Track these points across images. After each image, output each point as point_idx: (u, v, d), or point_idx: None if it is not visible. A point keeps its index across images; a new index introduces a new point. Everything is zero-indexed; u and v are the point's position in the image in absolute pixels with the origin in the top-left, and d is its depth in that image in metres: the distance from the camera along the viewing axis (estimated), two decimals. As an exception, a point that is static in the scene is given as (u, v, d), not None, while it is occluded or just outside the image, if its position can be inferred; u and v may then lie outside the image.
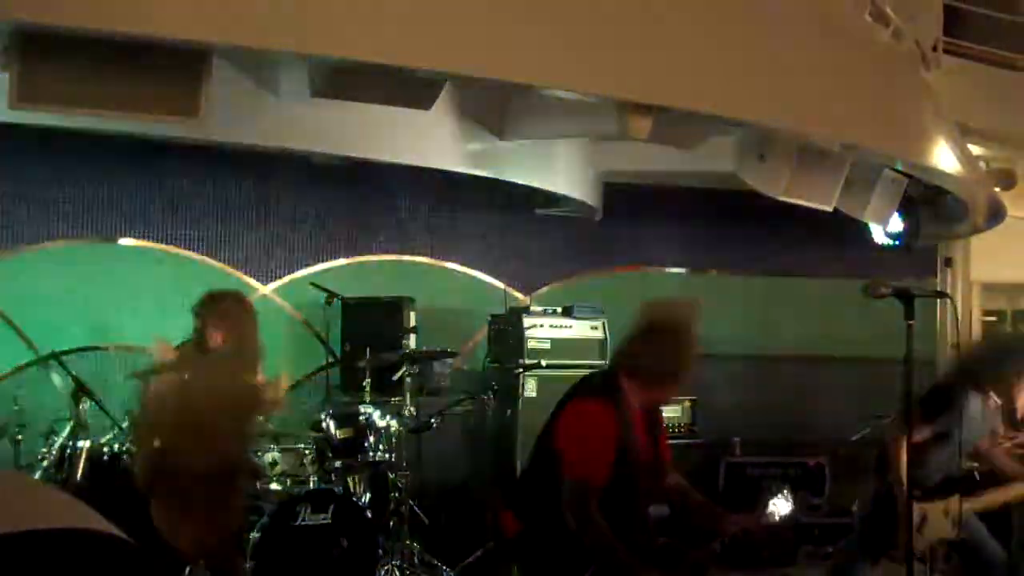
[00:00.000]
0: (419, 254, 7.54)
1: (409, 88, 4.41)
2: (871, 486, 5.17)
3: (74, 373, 5.21)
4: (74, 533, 0.88)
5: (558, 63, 4.42)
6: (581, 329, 6.93)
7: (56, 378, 6.07)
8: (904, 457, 4.82)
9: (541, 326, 6.82)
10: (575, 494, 3.71)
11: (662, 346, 3.86)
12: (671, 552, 3.95)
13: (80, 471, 5.00)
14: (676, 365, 3.89)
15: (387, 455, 5.68)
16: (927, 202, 7.09)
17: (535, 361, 6.63)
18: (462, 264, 7.74)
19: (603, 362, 6.85)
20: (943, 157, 6.06)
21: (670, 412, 7.06)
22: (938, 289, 8.17)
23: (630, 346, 3.95)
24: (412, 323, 6.59)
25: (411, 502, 5.68)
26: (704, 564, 4.00)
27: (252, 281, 6.96)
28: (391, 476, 5.71)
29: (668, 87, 4.72)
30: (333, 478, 5.52)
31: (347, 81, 4.28)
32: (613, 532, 3.70)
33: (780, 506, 3.89)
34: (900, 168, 6.24)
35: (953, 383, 4.95)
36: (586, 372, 4.23)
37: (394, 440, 5.71)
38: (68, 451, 5.03)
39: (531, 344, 6.75)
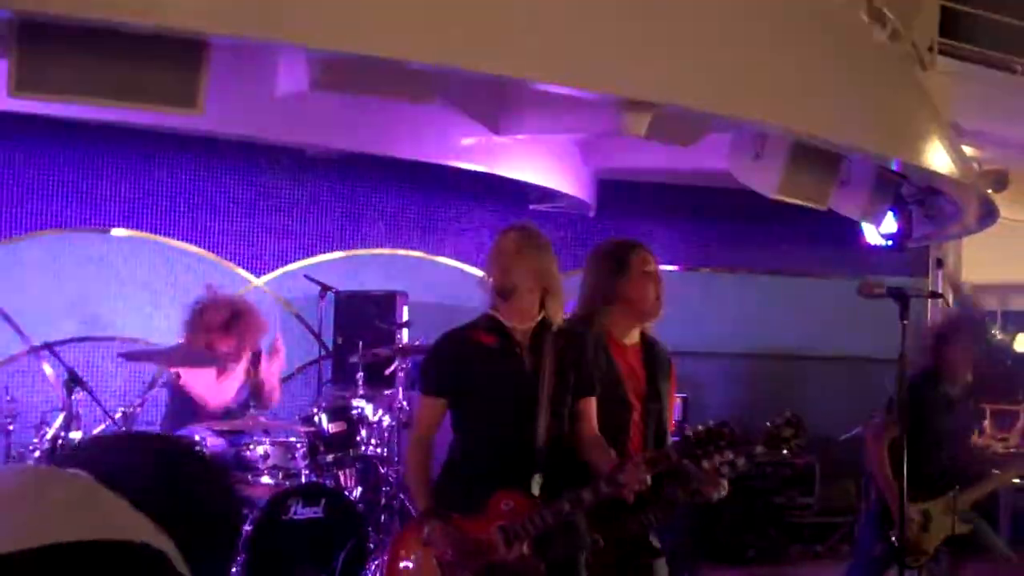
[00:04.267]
0: (412, 248, 7.54)
1: (408, 82, 4.41)
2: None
3: (66, 363, 5.19)
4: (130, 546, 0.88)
5: (555, 59, 4.42)
6: (574, 325, 6.90)
7: (48, 368, 6.07)
8: (886, 457, 4.82)
9: (534, 322, 6.80)
10: None
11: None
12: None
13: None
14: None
15: (379, 449, 5.68)
16: (920, 202, 7.11)
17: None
18: (455, 259, 7.74)
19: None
20: (937, 158, 6.08)
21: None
22: (930, 290, 8.19)
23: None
24: (405, 317, 6.58)
25: (402, 496, 5.67)
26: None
27: (245, 273, 6.95)
28: (383, 470, 5.71)
29: (664, 84, 4.72)
30: (325, 472, 5.52)
31: (345, 74, 4.28)
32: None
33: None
34: (895, 168, 6.25)
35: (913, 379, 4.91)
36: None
37: (386, 434, 5.71)
38: (60, 442, 5.00)
39: (523, 340, 6.72)
